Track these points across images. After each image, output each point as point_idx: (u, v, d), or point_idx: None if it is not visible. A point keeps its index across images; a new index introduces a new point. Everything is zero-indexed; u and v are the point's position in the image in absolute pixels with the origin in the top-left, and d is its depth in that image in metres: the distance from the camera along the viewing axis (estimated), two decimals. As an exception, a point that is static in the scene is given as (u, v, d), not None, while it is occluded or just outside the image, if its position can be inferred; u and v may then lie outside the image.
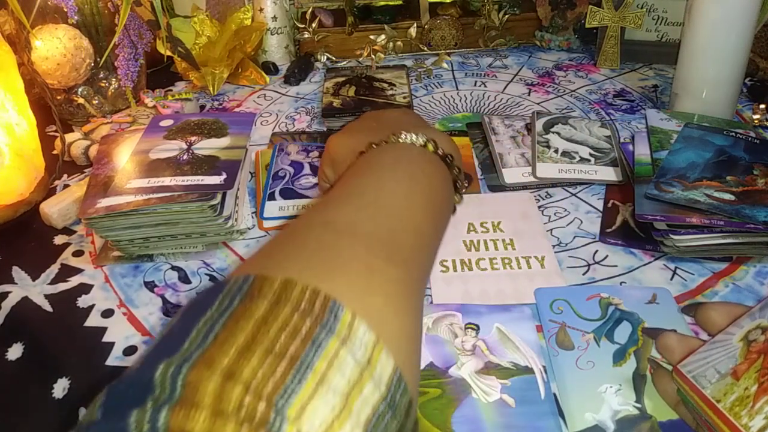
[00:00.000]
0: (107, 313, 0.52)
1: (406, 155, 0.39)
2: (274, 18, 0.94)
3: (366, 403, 0.22)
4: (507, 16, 0.96)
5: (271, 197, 0.62)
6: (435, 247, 0.35)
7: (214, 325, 0.23)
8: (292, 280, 0.25)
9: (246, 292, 0.24)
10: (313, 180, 0.65)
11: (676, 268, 0.53)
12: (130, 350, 0.48)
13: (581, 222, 0.59)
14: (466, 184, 0.42)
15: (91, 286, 0.55)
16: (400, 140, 0.40)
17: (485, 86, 0.88)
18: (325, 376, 0.22)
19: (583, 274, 0.53)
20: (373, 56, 0.92)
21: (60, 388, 0.45)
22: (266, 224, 0.60)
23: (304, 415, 0.21)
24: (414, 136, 0.40)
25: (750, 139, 0.62)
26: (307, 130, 0.79)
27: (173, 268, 0.56)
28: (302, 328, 0.23)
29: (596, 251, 0.56)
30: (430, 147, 0.40)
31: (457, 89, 0.87)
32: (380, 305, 0.26)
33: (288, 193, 0.63)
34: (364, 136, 0.42)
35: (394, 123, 0.44)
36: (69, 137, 0.74)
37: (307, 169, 0.67)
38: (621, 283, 0.52)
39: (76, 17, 0.75)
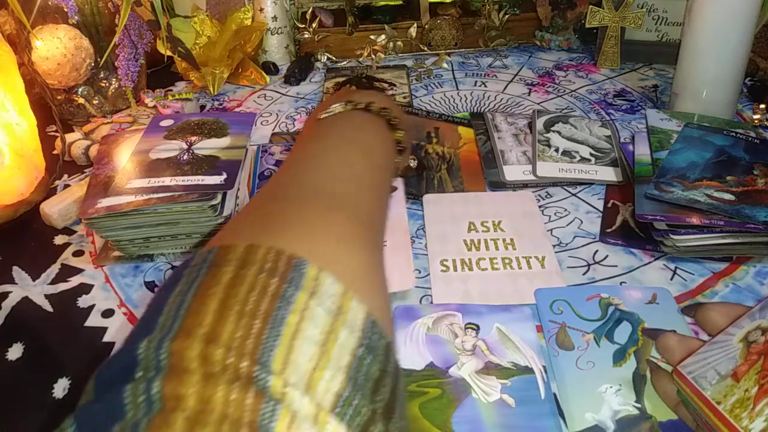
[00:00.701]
0: (107, 313, 0.52)
1: (348, 121, 0.44)
2: (274, 18, 0.94)
3: (343, 348, 0.23)
4: (507, 16, 0.96)
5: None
6: (380, 194, 0.38)
7: (185, 298, 0.24)
8: (255, 244, 0.25)
9: (211, 261, 0.25)
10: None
11: (676, 268, 0.53)
12: (130, 350, 0.48)
13: (581, 222, 0.59)
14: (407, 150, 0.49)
15: (91, 286, 0.55)
16: (347, 106, 0.45)
17: (485, 86, 0.88)
18: (298, 329, 0.23)
19: (583, 274, 0.53)
20: (373, 56, 0.92)
21: (60, 388, 0.45)
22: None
23: (288, 367, 0.21)
24: (359, 100, 0.45)
25: (750, 139, 0.62)
26: (308, 130, 0.79)
27: (173, 268, 0.56)
28: (270, 286, 0.24)
29: (596, 251, 0.56)
30: (374, 109, 0.45)
31: (457, 89, 0.87)
32: (343, 256, 0.27)
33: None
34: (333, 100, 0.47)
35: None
36: (69, 137, 0.74)
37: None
38: (621, 283, 0.52)
39: (76, 17, 0.75)
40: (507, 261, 0.54)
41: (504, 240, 0.57)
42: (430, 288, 0.52)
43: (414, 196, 0.62)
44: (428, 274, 0.54)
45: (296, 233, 0.28)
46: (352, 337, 0.24)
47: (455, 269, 0.54)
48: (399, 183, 0.61)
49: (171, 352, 0.21)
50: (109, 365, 0.23)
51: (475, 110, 0.81)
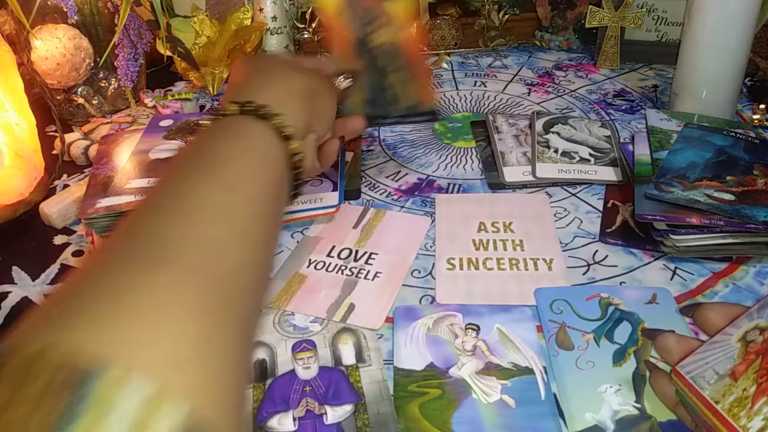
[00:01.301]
0: (107, 314, 0.52)
1: (222, 138, 0.35)
2: (274, 18, 0.94)
3: None
4: (507, 16, 0.96)
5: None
6: (253, 260, 0.30)
7: None
8: (45, 349, 0.21)
9: None
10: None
11: (676, 268, 0.53)
12: (130, 350, 0.48)
13: (581, 222, 0.59)
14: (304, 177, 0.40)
15: (90, 287, 0.55)
16: (227, 112, 0.37)
17: (485, 86, 0.88)
18: None
19: (583, 274, 0.53)
20: (373, 56, 0.92)
21: (60, 388, 0.45)
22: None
23: None
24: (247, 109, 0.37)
25: (750, 139, 0.62)
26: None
27: None
28: (47, 410, 0.19)
29: (596, 251, 0.56)
30: (262, 114, 0.37)
31: (457, 89, 0.87)
32: (167, 348, 0.22)
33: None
34: (229, 94, 0.40)
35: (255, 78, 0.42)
36: (69, 137, 0.74)
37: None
38: (621, 283, 0.52)
39: (75, 17, 0.75)
40: (514, 262, 0.54)
41: (513, 241, 0.57)
42: (430, 288, 0.52)
43: (374, 121, 0.53)
44: (428, 274, 0.54)
45: (101, 319, 0.23)
46: None
47: (461, 268, 0.54)
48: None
49: None
50: None
51: (475, 110, 0.81)
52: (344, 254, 0.56)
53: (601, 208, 0.61)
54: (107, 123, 0.76)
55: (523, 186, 0.65)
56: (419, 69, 0.59)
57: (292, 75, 0.44)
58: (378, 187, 0.66)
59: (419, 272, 0.54)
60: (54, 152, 0.75)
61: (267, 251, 0.32)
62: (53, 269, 0.57)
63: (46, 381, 0.20)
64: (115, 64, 0.80)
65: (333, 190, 0.62)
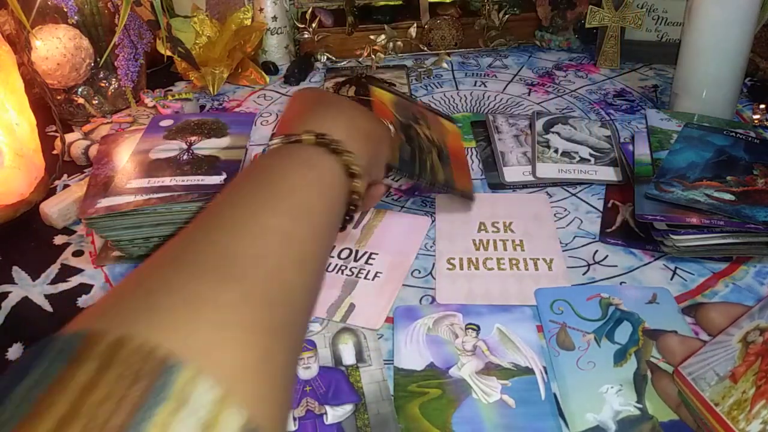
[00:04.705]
0: (107, 314, 0.52)
1: (285, 165, 0.36)
2: (274, 18, 0.94)
3: None
4: (507, 16, 0.96)
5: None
6: (308, 286, 0.31)
7: (31, 394, 0.21)
8: (124, 338, 0.22)
9: (71, 353, 0.22)
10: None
11: (676, 268, 0.53)
12: (130, 350, 0.48)
13: (581, 222, 0.59)
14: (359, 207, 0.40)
15: (91, 286, 0.55)
16: (303, 140, 0.37)
17: (485, 86, 0.88)
18: None
19: (583, 274, 0.53)
20: (373, 56, 0.92)
21: (60, 388, 0.45)
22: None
23: None
24: (313, 139, 0.37)
25: (750, 139, 0.62)
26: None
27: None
28: (129, 396, 0.21)
29: (596, 251, 0.56)
30: (331, 145, 0.37)
31: (457, 89, 0.87)
32: (228, 351, 0.24)
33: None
34: (296, 120, 0.40)
35: (315, 108, 0.42)
36: (69, 137, 0.74)
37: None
38: (621, 283, 0.52)
39: (76, 17, 0.75)
40: (514, 262, 0.54)
41: (513, 241, 0.57)
42: (430, 288, 0.52)
43: (405, 174, 0.55)
44: (428, 274, 0.54)
45: (177, 320, 0.24)
46: None
47: (461, 268, 0.54)
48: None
49: None
50: None
51: (475, 110, 0.81)
52: (344, 254, 0.56)
53: (601, 208, 0.61)
54: (107, 123, 0.76)
55: (523, 186, 0.65)
56: (459, 162, 0.62)
57: (360, 115, 0.43)
58: (378, 187, 0.66)
59: (419, 272, 0.54)
60: (54, 152, 0.75)
61: (320, 278, 0.33)
62: (53, 269, 0.57)
63: (128, 369, 0.21)
64: (116, 64, 0.80)
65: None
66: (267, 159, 0.37)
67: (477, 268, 0.54)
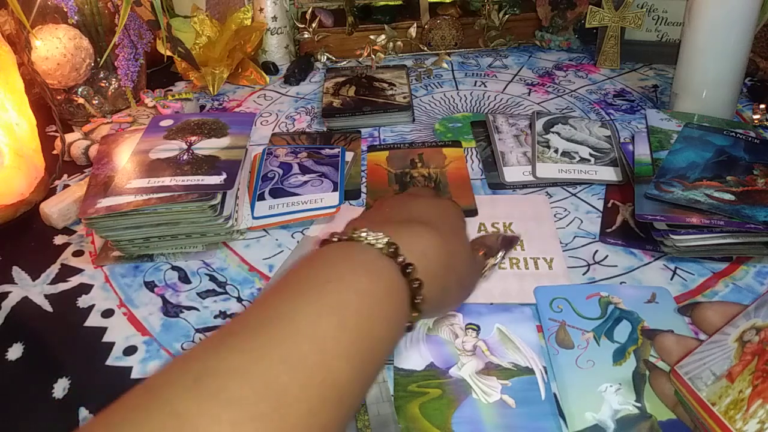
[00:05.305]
0: (107, 313, 0.52)
1: (348, 270, 0.30)
2: (274, 18, 0.94)
3: None
4: (507, 16, 0.96)
5: (261, 197, 0.62)
6: (353, 399, 0.27)
7: None
8: None
9: None
10: (302, 178, 0.65)
11: (676, 268, 0.53)
12: (130, 350, 0.48)
13: (581, 222, 0.59)
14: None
15: (91, 286, 0.55)
16: (356, 238, 0.32)
17: (485, 86, 0.88)
18: None
19: (583, 274, 0.53)
20: (373, 56, 0.92)
21: (60, 388, 0.45)
22: (256, 223, 0.60)
23: None
24: (373, 237, 0.32)
25: (750, 139, 0.62)
26: (307, 130, 0.79)
27: (173, 268, 0.56)
28: None
29: (596, 251, 0.56)
30: (387, 251, 0.32)
31: (457, 89, 0.87)
32: None
33: (278, 192, 0.63)
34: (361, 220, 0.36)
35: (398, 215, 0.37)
36: (69, 137, 0.74)
37: (296, 169, 0.66)
38: (621, 283, 0.52)
39: (76, 17, 0.75)
40: (514, 261, 0.54)
41: None
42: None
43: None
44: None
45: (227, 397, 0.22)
46: None
47: (457, 269, 0.54)
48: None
49: None
50: None
51: (475, 110, 0.81)
52: (344, 254, 0.56)
53: (601, 208, 0.61)
54: (107, 123, 0.76)
55: (523, 186, 0.65)
56: (460, 183, 0.66)
57: (459, 249, 0.37)
58: (378, 187, 0.66)
59: (419, 272, 0.54)
60: (54, 152, 0.75)
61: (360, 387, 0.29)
62: (53, 269, 0.57)
63: None
64: (116, 64, 0.80)
65: (333, 191, 0.62)
66: (335, 251, 0.32)
67: (477, 268, 0.54)
